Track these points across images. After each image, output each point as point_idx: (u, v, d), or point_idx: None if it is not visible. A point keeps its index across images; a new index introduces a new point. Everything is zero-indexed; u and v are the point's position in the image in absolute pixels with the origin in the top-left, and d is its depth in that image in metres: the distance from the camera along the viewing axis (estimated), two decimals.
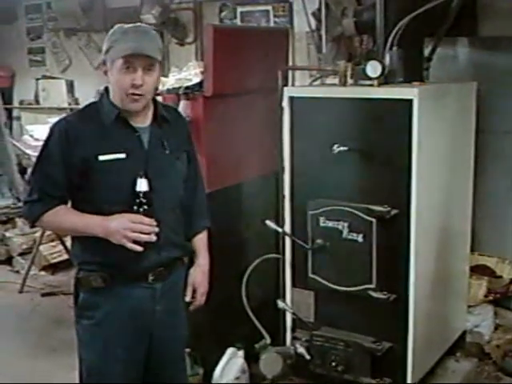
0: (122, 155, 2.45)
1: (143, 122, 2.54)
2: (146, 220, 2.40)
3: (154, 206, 2.44)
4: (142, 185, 2.42)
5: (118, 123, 2.48)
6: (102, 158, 2.42)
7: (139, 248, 2.39)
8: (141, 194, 2.42)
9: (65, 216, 2.50)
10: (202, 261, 2.79)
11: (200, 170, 2.85)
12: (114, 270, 2.50)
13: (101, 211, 2.43)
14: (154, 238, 2.42)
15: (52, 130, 2.51)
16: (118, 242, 2.39)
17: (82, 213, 2.47)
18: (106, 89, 2.54)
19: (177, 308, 2.70)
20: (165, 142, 2.56)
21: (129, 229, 2.37)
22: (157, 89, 2.75)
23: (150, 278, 2.55)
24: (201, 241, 2.81)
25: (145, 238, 2.39)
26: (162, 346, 2.63)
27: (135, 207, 2.41)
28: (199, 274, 2.76)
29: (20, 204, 6.67)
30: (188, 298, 2.74)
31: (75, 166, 2.43)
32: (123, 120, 2.49)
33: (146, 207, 2.42)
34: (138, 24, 2.53)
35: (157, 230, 2.42)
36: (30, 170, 5.84)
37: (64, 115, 2.73)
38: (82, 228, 2.47)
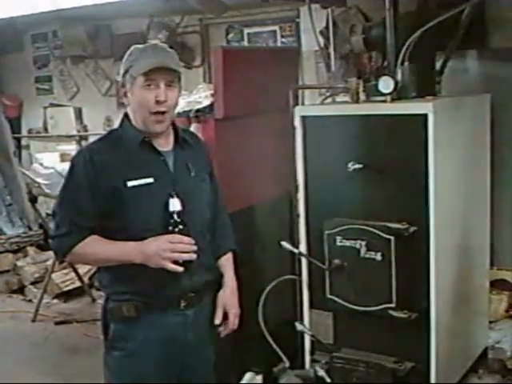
0: (150, 179, 2.42)
1: (166, 145, 2.52)
2: (186, 239, 2.37)
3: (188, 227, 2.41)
4: (175, 204, 2.41)
5: (143, 148, 2.46)
6: (130, 183, 2.39)
7: (180, 269, 2.36)
8: (174, 214, 2.40)
9: (97, 246, 2.42)
10: (231, 282, 2.72)
11: (221, 191, 2.80)
12: (146, 298, 2.44)
13: (135, 237, 2.38)
14: (194, 256, 2.39)
15: (76, 159, 2.46)
16: (157, 265, 2.35)
17: (114, 241, 2.41)
18: (126, 115, 2.51)
19: (207, 335, 2.64)
20: (189, 165, 2.54)
21: (168, 249, 2.34)
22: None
23: (182, 304, 2.49)
24: (227, 262, 2.75)
25: (186, 257, 2.36)
26: (192, 374, 2.58)
27: (170, 228, 2.39)
28: (229, 296, 2.68)
29: (31, 233, 6.68)
30: (218, 321, 2.63)
31: (103, 194, 2.38)
32: (148, 144, 2.47)
33: (180, 227, 2.40)
34: (155, 43, 2.51)
35: (195, 248, 2.39)
36: (40, 199, 5.91)
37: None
38: (117, 256, 2.40)
